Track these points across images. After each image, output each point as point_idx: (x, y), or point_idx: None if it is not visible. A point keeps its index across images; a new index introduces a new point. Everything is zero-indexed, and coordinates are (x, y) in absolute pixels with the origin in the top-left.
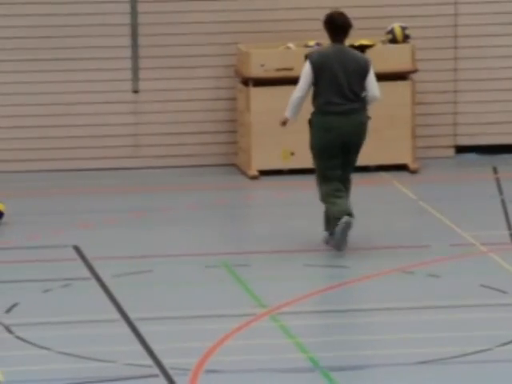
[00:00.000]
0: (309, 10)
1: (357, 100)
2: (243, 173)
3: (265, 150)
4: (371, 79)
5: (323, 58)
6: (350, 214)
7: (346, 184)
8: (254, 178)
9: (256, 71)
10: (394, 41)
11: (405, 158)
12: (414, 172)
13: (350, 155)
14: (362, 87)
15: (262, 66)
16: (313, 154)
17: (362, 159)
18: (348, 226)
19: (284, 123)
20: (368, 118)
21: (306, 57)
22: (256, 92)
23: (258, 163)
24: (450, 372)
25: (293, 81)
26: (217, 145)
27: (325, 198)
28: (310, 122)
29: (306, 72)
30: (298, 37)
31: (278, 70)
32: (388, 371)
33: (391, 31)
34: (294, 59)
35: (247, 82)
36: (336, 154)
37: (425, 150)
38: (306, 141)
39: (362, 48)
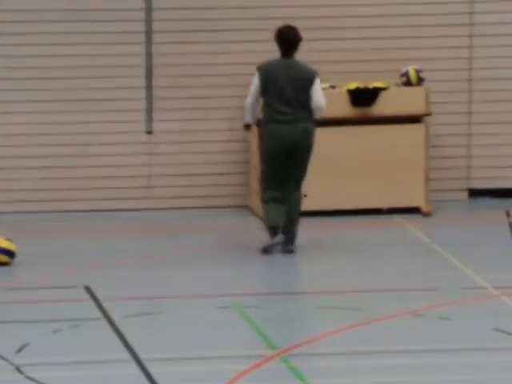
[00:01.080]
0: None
1: (302, 109)
2: (256, 214)
3: None
4: (316, 89)
5: (270, 71)
6: (275, 228)
7: (289, 198)
8: None
9: None
10: (408, 83)
11: (418, 201)
12: (427, 215)
13: (295, 163)
14: (308, 97)
15: None
16: (260, 158)
17: (374, 201)
18: (278, 245)
19: (247, 127)
20: (314, 126)
21: (257, 68)
22: None
23: None
24: None
25: None
26: (230, 186)
27: (262, 201)
28: (261, 129)
29: (254, 82)
30: None
31: None
32: None
33: (406, 74)
34: None
35: (259, 123)
36: (281, 160)
37: (438, 193)
38: (320, 183)
39: (376, 90)
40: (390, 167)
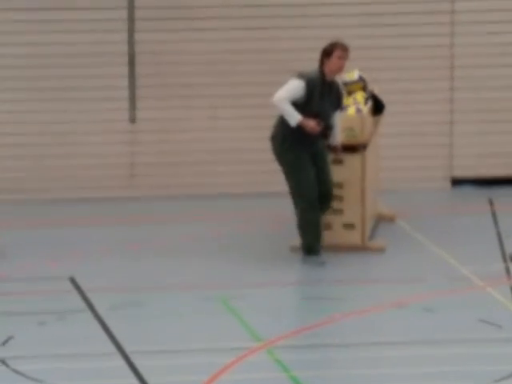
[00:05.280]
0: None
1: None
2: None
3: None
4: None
5: None
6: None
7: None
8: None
9: None
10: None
11: None
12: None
13: None
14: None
15: None
16: None
17: None
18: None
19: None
20: (280, 132)
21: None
22: None
23: None
24: None
25: None
26: (213, 175)
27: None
28: None
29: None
30: None
31: None
32: None
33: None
34: None
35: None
36: None
37: (421, 182)
38: None
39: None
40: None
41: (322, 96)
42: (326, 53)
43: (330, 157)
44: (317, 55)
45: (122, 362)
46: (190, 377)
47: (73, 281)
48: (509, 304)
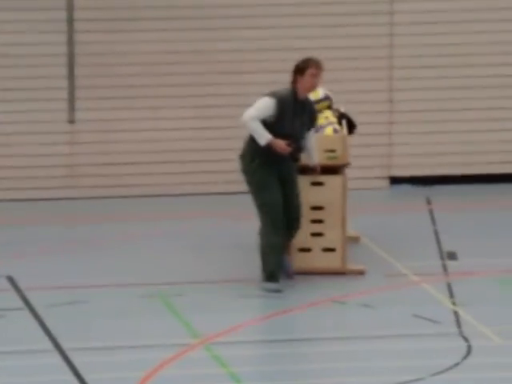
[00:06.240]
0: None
1: None
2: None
3: None
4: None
5: None
6: None
7: None
8: None
9: None
10: None
11: None
12: None
13: None
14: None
15: None
16: None
17: None
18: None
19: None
20: (248, 151)
21: None
22: None
23: None
24: None
25: None
26: (153, 175)
27: None
28: None
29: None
30: None
31: None
32: None
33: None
34: None
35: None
36: None
37: (360, 181)
38: None
39: None
40: None
41: (294, 115)
42: (299, 69)
43: (309, 179)
44: (257, 56)
45: (59, 359)
46: (128, 373)
47: (10, 279)
48: (444, 300)
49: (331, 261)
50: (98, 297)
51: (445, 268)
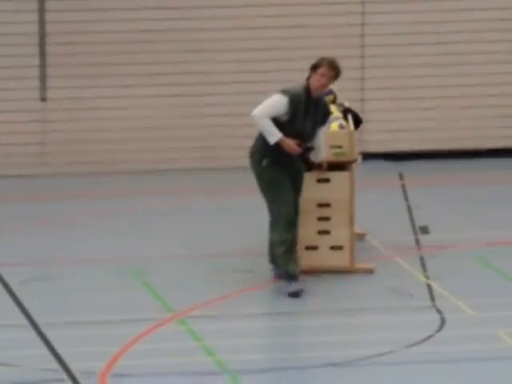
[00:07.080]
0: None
1: None
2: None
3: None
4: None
5: None
6: None
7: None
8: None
9: None
10: None
11: None
12: None
13: None
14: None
15: None
16: None
17: None
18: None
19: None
20: (257, 147)
21: None
22: None
23: None
24: (357, 374)
25: None
26: (123, 152)
27: None
28: None
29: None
30: None
31: None
32: (298, 374)
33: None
34: None
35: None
36: None
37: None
38: None
39: None
40: None
41: (306, 114)
42: (313, 67)
43: (315, 175)
44: (230, 35)
45: (33, 334)
46: (102, 347)
47: None
48: (418, 273)
49: (339, 259)
50: (72, 273)
51: (418, 242)
